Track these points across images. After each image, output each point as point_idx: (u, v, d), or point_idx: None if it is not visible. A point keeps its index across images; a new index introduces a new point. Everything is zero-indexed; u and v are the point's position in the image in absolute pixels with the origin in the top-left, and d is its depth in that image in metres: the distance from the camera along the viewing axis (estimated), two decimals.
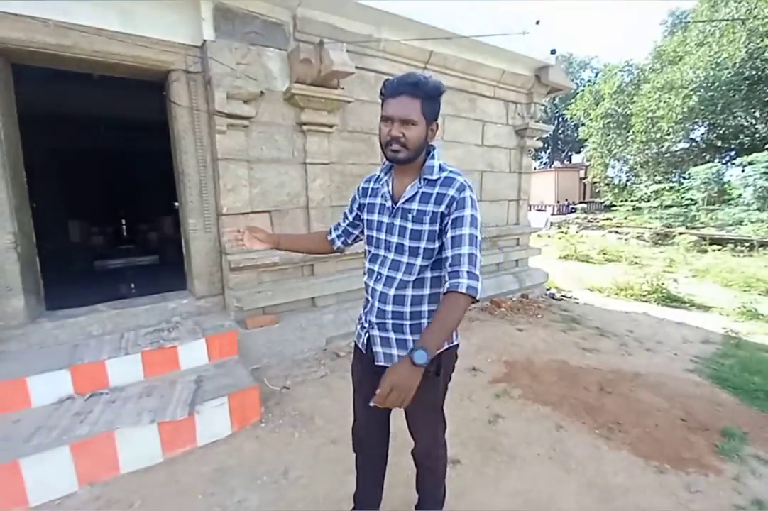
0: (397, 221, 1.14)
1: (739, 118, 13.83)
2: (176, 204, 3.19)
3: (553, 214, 18.15)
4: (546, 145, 30.81)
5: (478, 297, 1.02)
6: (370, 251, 1.26)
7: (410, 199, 1.12)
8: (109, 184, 7.30)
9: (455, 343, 1.22)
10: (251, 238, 1.40)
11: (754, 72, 12.50)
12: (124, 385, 2.18)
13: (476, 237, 1.07)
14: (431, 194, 1.10)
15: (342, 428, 2.02)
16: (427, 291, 1.16)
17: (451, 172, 1.12)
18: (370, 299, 1.22)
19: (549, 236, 11.73)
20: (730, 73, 12.41)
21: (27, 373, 2.01)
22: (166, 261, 5.43)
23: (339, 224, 1.41)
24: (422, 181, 1.12)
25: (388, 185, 1.19)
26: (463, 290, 1.01)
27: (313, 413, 2.27)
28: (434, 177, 1.11)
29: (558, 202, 22.26)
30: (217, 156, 2.77)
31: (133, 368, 2.23)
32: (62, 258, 4.71)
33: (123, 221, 7.48)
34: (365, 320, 1.25)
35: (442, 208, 1.07)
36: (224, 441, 2.03)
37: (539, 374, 2.83)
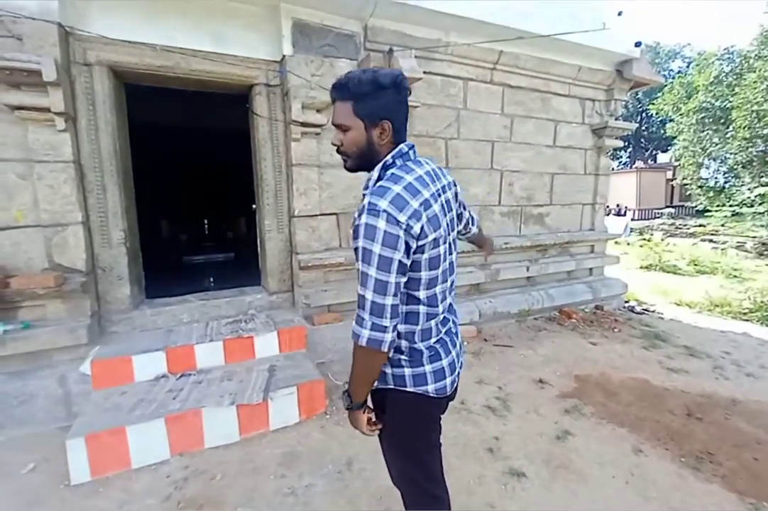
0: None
1: None
2: (254, 206, 3.48)
3: (633, 219, 16.62)
4: (627, 143, 28.33)
5: (360, 344, 0.90)
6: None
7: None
8: (194, 187, 8.15)
9: (410, 389, 1.02)
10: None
11: None
12: (209, 368, 2.43)
13: (367, 275, 0.87)
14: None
15: None
16: (402, 327, 1.02)
17: (375, 188, 0.92)
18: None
19: (629, 244, 10.76)
20: None
21: (132, 352, 2.32)
22: (240, 258, 5.92)
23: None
24: (363, 197, 0.97)
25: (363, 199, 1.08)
26: (351, 335, 0.92)
27: None
28: (366, 192, 0.96)
29: (640, 205, 20.32)
30: (292, 162, 2.97)
31: (216, 353, 2.47)
32: (155, 253, 5.35)
33: (205, 221, 8.30)
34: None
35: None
36: (293, 428, 2.17)
37: (615, 392, 2.62)
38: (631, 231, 13.15)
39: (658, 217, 17.56)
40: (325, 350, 2.98)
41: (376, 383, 1.03)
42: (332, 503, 1.67)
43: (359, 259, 0.88)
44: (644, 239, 10.90)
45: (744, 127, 13.34)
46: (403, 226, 0.87)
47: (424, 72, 3.06)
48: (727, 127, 14.32)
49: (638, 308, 4.67)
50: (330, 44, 3.01)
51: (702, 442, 2.09)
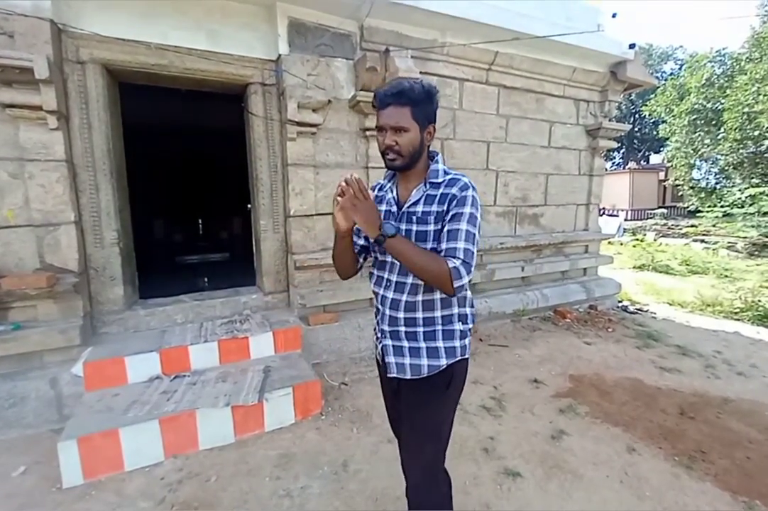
0: (403, 225, 1.13)
1: None
2: (249, 206, 3.46)
3: (626, 220, 16.75)
4: (620, 144, 28.56)
5: (456, 284, 1.00)
6: (376, 258, 1.23)
7: (415, 203, 1.13)
8: (187, 187, 8.08)
9: (467, 356, 1.18)
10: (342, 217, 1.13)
11: None
12: (203, 369, 2.41)
13: (473, 234, 1.06)
14: (435, 196, 1.10)
15: None
16: (437, 295, 1.13)
17: (455, 174, 1.13)
18: (380, 307, 1.21)
19: (622, 244, 10.85)
20: None
21: (125, 353, 2.29)
22: (235, 258, 5.89)
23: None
24: (427, 185, 1.13)
25: (392, 191, 1.20)
26: (450, 265, 0.99)
27: (371, 411, 2.32)
28: (439, 180, 1.11)
29: (632, 206, 20.49)
30: (287, 162, 2.96)
31: (210, 354, 2.46)
32: (148, 253, 5.30)
33: (199, 221, 8.24)
34: (378, 329, 1.23)
35: (444, 206, 1.08)
36: (288, 429, 2.16)
37: (609, 391, 2.64)
38: (624, 231, 13.27)
39: (651, 218, 17.71)
40: (320, 351, 2.97)
41: (446, 361, 1.12)
42: (328, 504, 1.66)
43: (465, 221, 1.05)
44: (637, 239, 11.00)
45: (735, 129, 13.50)
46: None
47: (420, 72, 3.06)
48: (719, 129, 14.48)
49: (631, 308, 4.71)
50: (326, 44, 3.00)
51: (695, 441, 2.11)
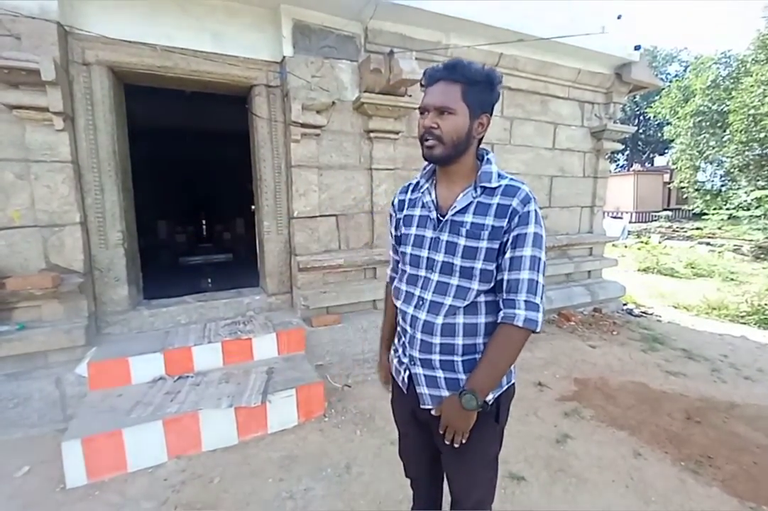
0: (444, 236, 0.95)
1: None
2: (253, 207, 3.46)
3: (631, 222, 16.67)
4: (624, 146, 28.45)
5: (537, 330, 0.89)
6: (405, 271, 1.06)
7: (463, 211, 0.94)
8: (190, 188, 8.12)
9: (513, 381, 1.04)
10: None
11: None
12: (207, 370, 2.41)
13: (539, 260, 0.90)
14: (490, 205, 0.91)
15: None
16: (482, 319, 0.96)
17: (512, 180, 0.94)
18: (409, 329, 1.02)
19: (626, 246, 10.79)
20: None
21: (129, 353, 2.30)
22: (239, 259, 5.90)
23: (395, 264, 1.18)
24: (478, 190, 0.93)
25: (430, 194, 1.00)
26: (520, 324, 0.88)
27: (374, 413, 2.31)
28: (493, 185, 0.92)
29: (637, 208, 20.39)
30: (291, 163, 2.96)
31: (214, 355, 2.46)
32: (152, 254, 5.32)
33: (203, 222, 8.27)
34: (403, 354, 1.06)
35: (504, 222, 0.90)
36: (291, 431, 2.16)
37: (614, 395, 2.62)
38: (628, 234, 13.21)
39: (656, 220, 17.62)
40: (323, 352, 2.96)
41: (492, 396, 0.97)
42: (331, 507, 1.65)
43: (530, 244, 0.89)
44: (642, 242, 10.94)
45: (741, 131, 13.41)
46: None
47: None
48: (724, 131, 14.38)
49: (636, 311, 4.67)
50: (330, 45, 3.00)
51: (701, 446, 2.09)
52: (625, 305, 4.84)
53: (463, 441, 0.96)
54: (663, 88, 18.12)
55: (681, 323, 4.30)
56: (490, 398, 0.96)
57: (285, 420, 2.17)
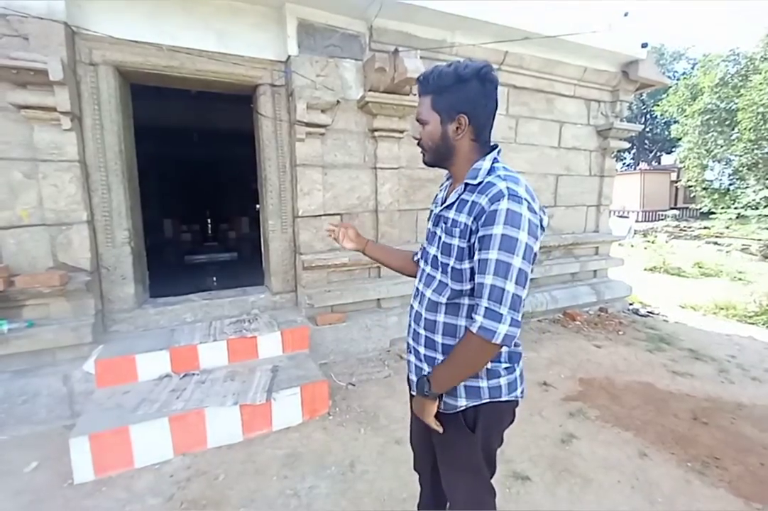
0: (437, 231, 0.99)
1: None
2: (258, 206, 3.48)
3: (637, 221, 16.54)
4: (631, 145, 28.20)
5: (495, 342, 0.82)
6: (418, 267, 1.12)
7: (449, 206, 0.97)
8: (195, 187, 8.17)
9: (505, 398, 0.98)
10: (345, 237, 1.30)
11: None
12: (212, 368, 2.43)
13: (509, 265, 0.81)
14: (467, 202, 0.91)
15: (405, 429, 2.01)
16: (462, 322, 0.94)
17: (498, 175, 0.90)
18: (408, 318, 1.09)
19: (632, 246, 10.71)
20: None
21: (136, 351, 2.32)
22: (243, 258, 5.93)
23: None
24: (463, 187, 0.94)
25: (444, 191, 1.07)
26: (474, 330, 0.83)
27: (378, 412, 2.32)
28: (475, 181, 0.91)
29: (643, 207, 20.22)
30: (296, 162, 2.97)
31: (219, 353, 2.47)
32: (158, 252, 5.36)
33: (208, 221, 8.32)
34: (407, 345, 1.11)
35: (471, 220, 0.88)
36: (296, 429, 2.16)
37: (619, 395, 2.60)
38: (634, 233, 13.11)
39: (662, 220, 17.47)
40: (327, 351, 2.97)
41: (465, 402, 0.96)
42: (335, 505, 1.66)
43: (496, 247, 0.82)
44: (648, 241, 10.85)
45: (749, 129, 13.25)
46: (539, 217, 0.87)
47: None
48: (733, 129, 14.23)
49: (642, 311, 4.64)
50: (335, 44, 3.00)
51: (708, 446, 2.07)
52: (631, 304, 4.81)
53: (439, 430, 0.98)
54: (670, 86, 17.95)
55: (688, 323, 4.26)
56: (464, 403, 0.96)
57: (289, 418, 2.18)
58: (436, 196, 1.12)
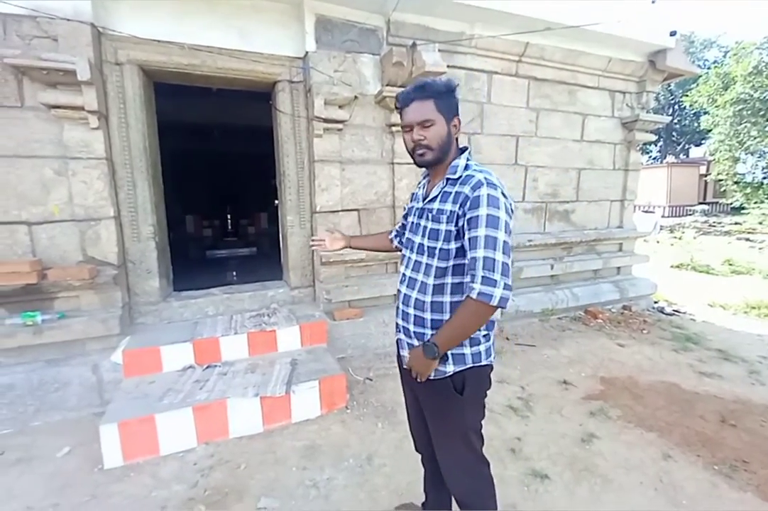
0: (422, 222, 1.16)
1: None
2: (276, 202, 3.52)
3: (663, 217, 15.99)
4: (657, 137, 27.17)
5: (493, 304, 0.96)
6: (404, 255, 1.28)
7: (432, 200, 1.14)
8: (216, 183, 8.30)
9: (484, 363, 1.13)
10: (332, 240, 1.61)
11: None
12: (233, 360, 2.48)
13: (495, 239, 0.98)
14: (450, 193, 1.09)
15: None
16: (447, 298, 1.10)
17: (474, 170, 1.09)
18: (397, 300, 1.24)
19: (658, 242, 10.35)
20: None
21: (161, 343, 2.39)
22: (262, 253, 6.02)
23: (400, 226, 1.51)
24: (445, 181, 1.12)
25: (423, 188, 1.25)
26: (473, 296, 0.97)
27: (395, 407, 2.32)
28: (455, 176, 1.09)
29: (670, 202, 19.50)
30: (314, 158, 2.98)
31: (240, 346, 2.53)
32: (181, 247, 5.49)
33: (228, 217, 8.47)
34: (396, 326, 1.27)
35: (457, 207, 1.05)
36: (314, 421, 2.20)
37: (643, 395, 2.53)
38: (660, 229, 12.66)
39: (690, 215, 16.83)
40: (345, 346, 3.00)
41: (453, 368, 1.10)
42: (353, 496, 1.68)
43: (484, 225, 0.98)
44: (675, 237, 10.48)
45: None
46: (510, 201, 1.06)
47: (447, 66, 3.01)
48: (767, 120, 13.53)
49: (668, 309, 4.49)
50: (353, 39, 2.99)
51: (735, 449, 2.00)
52: (656, 302, 4.66)
53: (422, 379, 1.11)
54: (700, 76, 17.16)
55: (717, 323, 4.10)
56: (452, 369, 1.10)
57: (308, 411, 2.22)
58: (414, 194, 1.31)
